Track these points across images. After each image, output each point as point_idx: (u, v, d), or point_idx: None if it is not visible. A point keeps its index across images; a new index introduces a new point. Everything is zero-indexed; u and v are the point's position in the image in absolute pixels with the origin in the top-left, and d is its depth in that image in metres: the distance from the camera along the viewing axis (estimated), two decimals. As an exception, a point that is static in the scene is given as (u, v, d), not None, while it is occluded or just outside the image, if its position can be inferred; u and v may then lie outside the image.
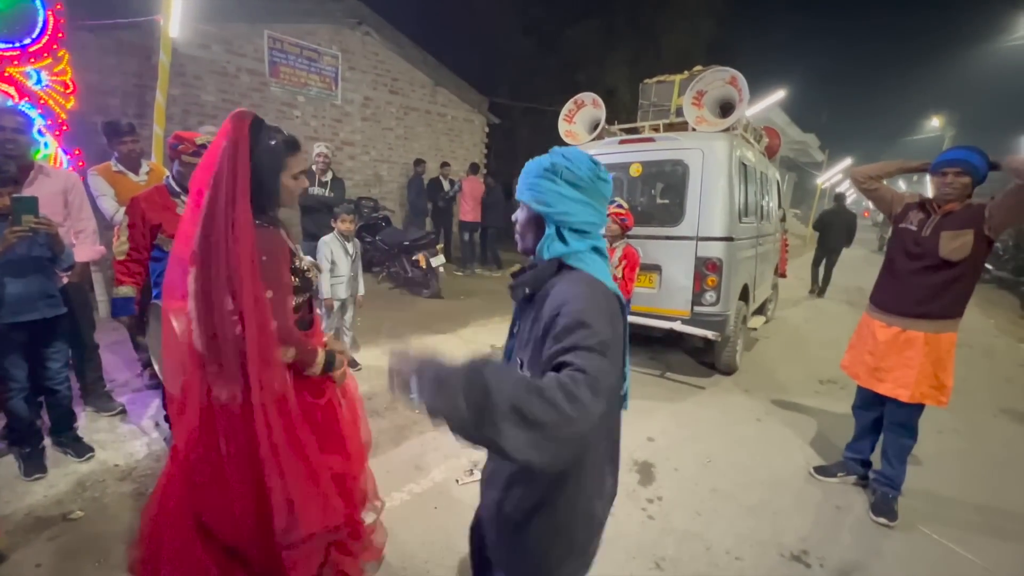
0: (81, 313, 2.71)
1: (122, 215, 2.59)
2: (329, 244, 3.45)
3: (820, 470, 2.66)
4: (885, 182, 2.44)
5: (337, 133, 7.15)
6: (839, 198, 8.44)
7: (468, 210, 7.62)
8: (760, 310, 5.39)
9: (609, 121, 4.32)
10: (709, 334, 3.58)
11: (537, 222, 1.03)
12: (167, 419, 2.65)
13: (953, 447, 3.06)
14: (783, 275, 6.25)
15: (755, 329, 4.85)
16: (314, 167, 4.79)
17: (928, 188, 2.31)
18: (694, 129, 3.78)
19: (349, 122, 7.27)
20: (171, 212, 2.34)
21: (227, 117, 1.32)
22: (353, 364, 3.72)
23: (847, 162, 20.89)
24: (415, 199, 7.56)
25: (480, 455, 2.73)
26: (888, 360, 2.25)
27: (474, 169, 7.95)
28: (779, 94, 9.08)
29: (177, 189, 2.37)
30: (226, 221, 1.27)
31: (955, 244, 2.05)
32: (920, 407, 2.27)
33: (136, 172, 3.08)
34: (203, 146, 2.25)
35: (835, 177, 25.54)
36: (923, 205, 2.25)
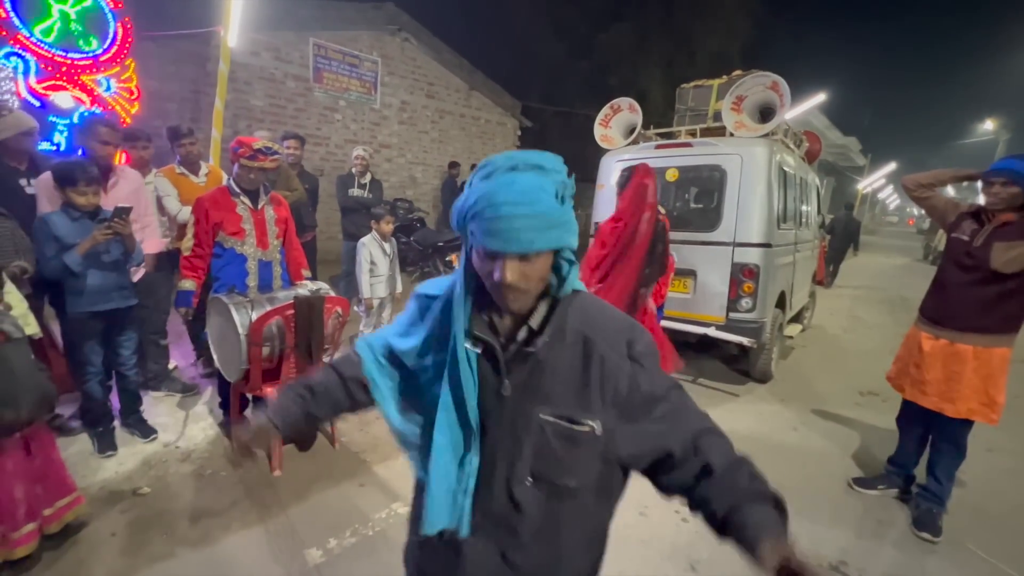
0: (154, 303, 2.93)
1: (186, 214, 2.79)
2: (368, 245, 3.58)
3: (860, 482, 2.61)
4: (939, 190, 2.39)
5: (375, 136, 7.37)
6: (848, 207, 10.02)
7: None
8: (797, 318, 5.28)
9: (644, 126, 4.33)
10: (744, 341, 3.55)
11: (555, 265, 0.79)
12: (222, 405, 2.82)
13: (1004, 466, 2.94)
14: (821, 282, 6.10)
15: (791, 337, 4.75)
16: (353, 169, 4.97)
17: (980, 197, 2.25)
18: (732, 134, 3.75)
19: (387, 125, 7.48)
20: (231, 212, 2.51)
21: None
22: None
23: (891, 167, 20.09)
24: (448, 201, 7.71)
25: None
26: (934, 373, 2.20)
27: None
28: (819, 97, 8.86)
29: (237, 190, 2.53)
30: None
31: (1009, 255, 1.99)
32: (969, 423, 2.21)
33: (196, 174, 3.29)
34: (259, 151, 2.40)
35: (878, 182, 24.58)
36: (977, 215, 2.19)
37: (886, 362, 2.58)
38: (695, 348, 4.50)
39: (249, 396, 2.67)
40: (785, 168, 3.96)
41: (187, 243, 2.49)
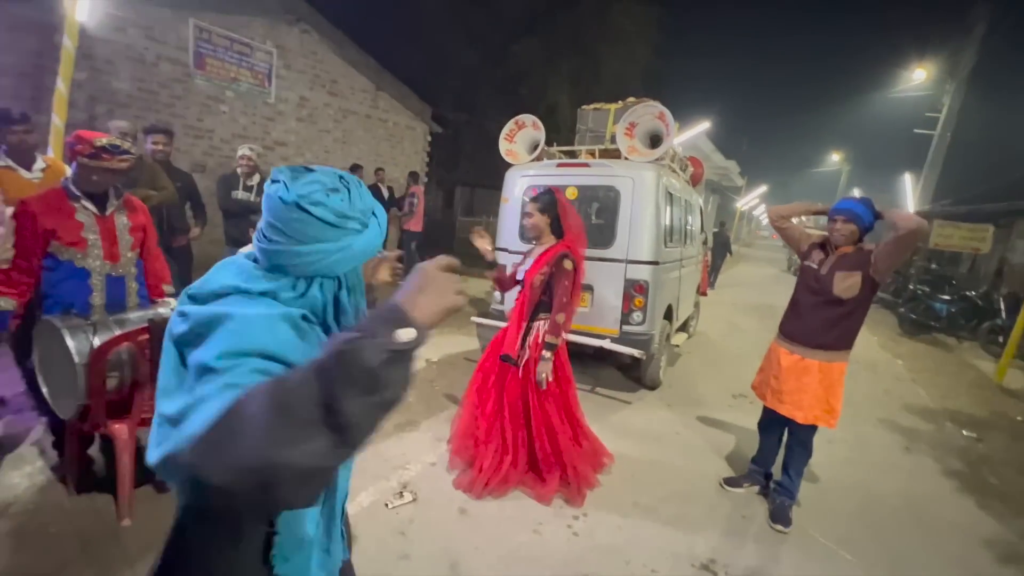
0: None
1: (7, 217, 2.31)
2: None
3: (729, 481, 2.89)
4: (795, 220, 2.72)
5: (269, 132, 6.80)
6: (722, 225, 12.75)
7: (414, 220, 7.55)
8: (683, 327, 5.76)
9: (549, 139, 4.44)
10: (635, 353, 3.78)
11: None
12: (56, 444, 2.39)
13: (840, 456, 3.43)
14: (704, 294, 6.72)
15: (678, 346, 5.17)
16: (238, 170, 4.53)
17: None
18: (626, 158, 4.00)
19: (282, 121, 6.94)
20: (69, 218, 2.13)
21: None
22: None
23: (762, 188, 22.96)
24: (352, 205, 7.35)
25: (410, 476, 2.70)
26: (788, 384, 2.50)
27: (415, 178, 7.86)
28: (704, 124, 9.82)
29: (76, 193, 2.16)
30: None
31: (846, 284, 2.33)
32: (815, 427, 2.54)
33: (28, 168, 2.77)
34: (103, 148, 2.07)
35: (752, 201, 27.91)
36: (823, 245, 2.52)
37: (756, 365, 2.88)
38: (593, 358, 4.71)
39: (95, 434, 2.27)
40: (671, 191, 4.31)
41: (4, 254, 2.06)
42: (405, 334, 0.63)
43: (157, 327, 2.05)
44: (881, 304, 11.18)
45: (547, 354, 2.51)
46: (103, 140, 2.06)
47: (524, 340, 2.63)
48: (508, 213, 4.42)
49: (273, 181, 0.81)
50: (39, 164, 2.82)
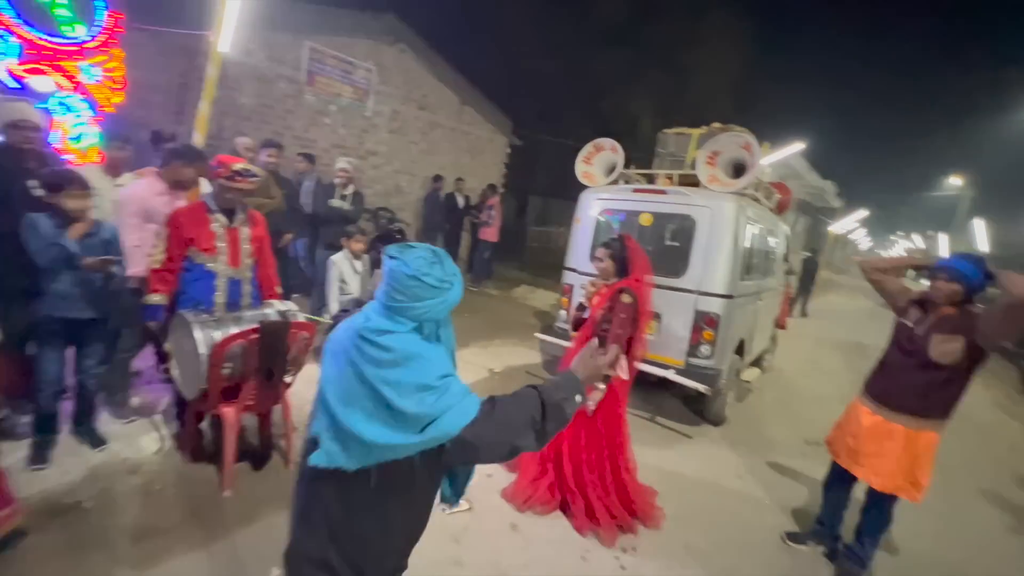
0: (126, 320, 2.82)
1: (129, 232, 2.74)
2: (339, 263, 3.61)
3: (792, 536, 2.75)
4: (892, 275, 2.49)
5: (363, 142, 7.37)
6: (813, 251, 12.50)
7: (491, 230, 7.86)
8: (757, 362, 5.48)
9: (627, 156, 4.41)
10: (700, 387, 3.69)
11: None
12: (178, 416, 2.80)
13: (928, 527, 3.11)
14: (782, 327, 6.34)
15: (749, 381, 4.94)
16: (336, 180, 4.99)
17: None
18: (706, 187, 3.91)
19: (375, 133, 7.49)
20: (205, 228, 2.52)
21: None
22: None
23: (862, 213, 20.99)
24: (430, 214, 7.76)
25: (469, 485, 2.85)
26: (868, 447, 2.34)
27: (493, 190, 8.15)
28: (799, 146, 9.24)
29: (214, 207, 2.55)
30: None
31: (944, 348, 2.13)
32: (896, 496, 2.35)
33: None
34: (237, 172, 2.43)
35: (850, 225, 25.59)
36: (923, 303, 2.31)
37: (836, 411, 2.72)
38: (656, 384, 4.63)
39: (207, 413, 2.66)
40: (752, 222, 4.15)
41: (158, 256, 2.49)
42: (581, 398, 1.18)
43: (266, 329, 2.37)
44: (1000, 353, 9.84)
45: (601, 384, 2.54)
46: (239, 165, 2.43)
47: None
48: (580, 233, 4.48)
49: (391, 258, 1.11)
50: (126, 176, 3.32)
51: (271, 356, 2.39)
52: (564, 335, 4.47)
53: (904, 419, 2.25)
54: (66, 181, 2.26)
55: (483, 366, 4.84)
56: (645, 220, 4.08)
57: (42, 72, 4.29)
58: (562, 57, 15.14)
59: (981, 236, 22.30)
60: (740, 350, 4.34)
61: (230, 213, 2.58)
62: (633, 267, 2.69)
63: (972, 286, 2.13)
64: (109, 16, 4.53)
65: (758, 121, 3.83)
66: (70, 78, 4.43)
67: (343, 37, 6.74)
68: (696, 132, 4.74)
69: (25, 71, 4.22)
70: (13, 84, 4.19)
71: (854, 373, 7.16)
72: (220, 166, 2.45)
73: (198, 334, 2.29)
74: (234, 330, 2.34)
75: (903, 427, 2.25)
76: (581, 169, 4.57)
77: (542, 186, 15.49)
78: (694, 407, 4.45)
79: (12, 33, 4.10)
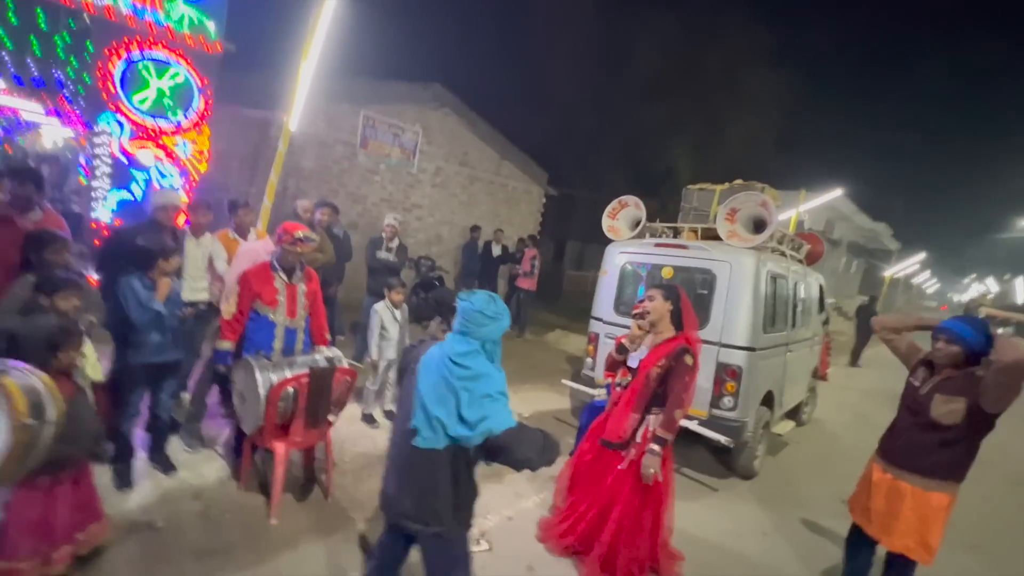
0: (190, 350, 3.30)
1: (231, 277, 3.23)
2: (380, 312, 3.98)
3: (814, 598, 2.70)
4: (905, 335, 2.54)
5: (408, 196, 8.03)
6: (871, 299, 11.38)
7: (528, 280, 8.18)
8: (793, 413, 5.36)
9: (663, 206, 4.64)
10: (722, 439, 3.71)
11: None
12: (236, 449, 3.16)
13: None
14: (823, 378, 6.16)
15: (781, 435, 4.84)
16: (383, 234, 5.50)
17: None
18: (727, 242, 4.07)
19: (420, 188, 8.15)
20: (270, 284, 2.95)
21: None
22: (371, 420, 4.14)
23: (920, 256, 19.94)
24: (468, 262, 8.20)
25: (488, 525, 3.00)
26: (877, 504, 2.36)
27: (532, 241, 8.52)
28: (837, 191, 9.18)
29: (277, 266, 2.99)
30: None
31: (945, 409, 2.17)
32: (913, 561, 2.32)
33: (245, 238, 3.80)
34: (299, 239, 2.87)
35: (910, 268, 24.25)
36: (930, 363, 2.36)
37: None
38: (684, 435, 4.63)
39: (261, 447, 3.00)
40: (776, 275, 4.23)
41: (230, 308, 2.93)
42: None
43: (315, 374, 2.71)
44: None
45: (656, 448, 2.45)
46: (300, 233, 2.87)
47: (635, 431, 2.60)
48: (605, 284, 4.70)
49: (462, 300, 1.69)
50: (252, 235, 3.86)
51: (318, 398, 2.72)
52: (591, 382, 4.61)
53: (912, 478, 2.26)
54: (168, 250, 2.72)
55: (512, 411, 5.02)
56: (667, 273, 4.26)
57: (145, 148, 5.12)
58: (601, 107, 15.79)
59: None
60: (769, 402, 4.32)
61: (290, 271, 3.01)
62: (687, 322, 2.64)
63: (972, 349, 2.17)
64: (202, 99, 5.37)
65: (799, 165, 4.01)
66: (167, 151, 5.24)
67: (394, 104, 7.53)
68: (718, 188, 4.93)
69: (133, 148, 5.05)
70: (123, 160, 5.02)
71: (907, 429, 6.76)
72: (284, 232, 2.90)
73: (259, 377, 2.67)
74: (288, 374, 2.70)
75: (911, 486, 2.26)
76: (607, 224, 4.84)
77: (580, 231, 15.83)
78: (722, 458, 4.41)
79: (128, 119, 4.96)
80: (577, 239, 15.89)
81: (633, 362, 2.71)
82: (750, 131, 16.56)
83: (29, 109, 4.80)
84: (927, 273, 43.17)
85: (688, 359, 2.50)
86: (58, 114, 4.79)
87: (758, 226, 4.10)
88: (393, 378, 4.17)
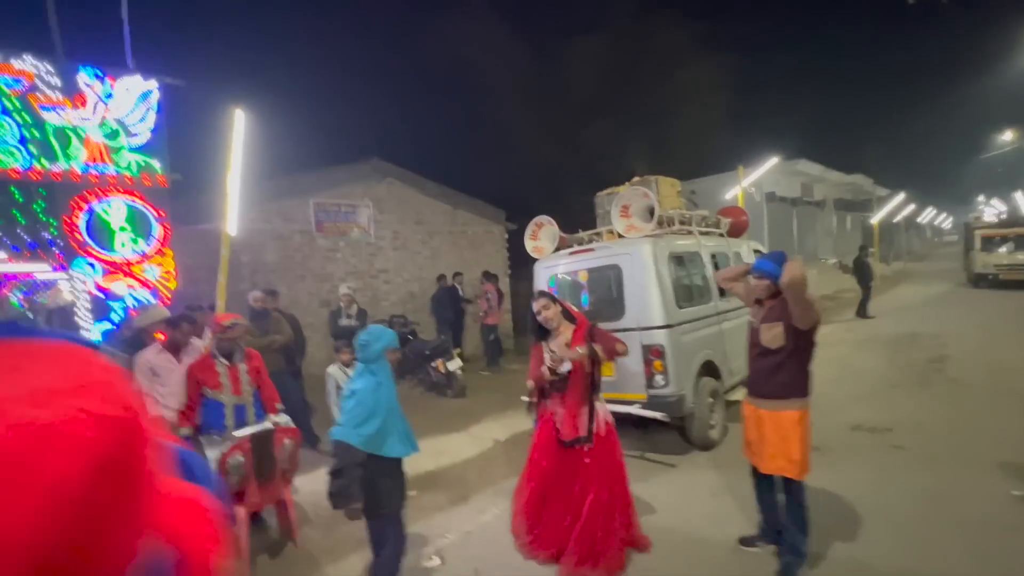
0: None
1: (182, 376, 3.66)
2: (333, 374, 4.37)
3: (744, 541, 2.87)
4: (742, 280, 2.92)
5: (373, 264, 8.58)
6: (861, 249, 11.47)
7: (492, 315, 8.53)
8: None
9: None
10: (659, 415, 3.94)
11: None
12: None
13: (940, 516, 3.00)
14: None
15: (740, 401, 4.97)
16: (341, 304, 5.98)
17: None
18: (625, 237, 4.44)
19: (382, 254, 8.71)
20: (211, 371, 3.37)
21: None
22: None
23: (900, 197, 19.92)
24: (438, 310, 8.61)
25: (446, 543, 3.24)
26: (751, 435, 2.61)
27: (489, 277, 8.87)
28: (772, 160, 9.53)
29: (216, 354, 3.42)
30: None
31: (770, 335, 2.49)
32: (800, 481, 2.51)
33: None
34: (227, 327, 3.31)
35: (902, 210, 24.04)
36: (759, 300, 2.69)
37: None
38: (652, 421, 4.81)
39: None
40: (681, 254, 4.55)
41: (183, 399, 3.35)
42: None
43: (256, 437, 3.09)
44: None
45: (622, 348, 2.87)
46: (227, 322, 3.32)
47: (588, 423, 2.85)
48: (541, 301, 5.05)
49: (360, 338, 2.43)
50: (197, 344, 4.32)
51: (262, 459, 3.08)
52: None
53: (766, 403, 2.52)
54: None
55: (490, 438, 5.27)
56: (583, 277, 4.62)
57: (117, 279, 5.75)
58: (550, 136, 16.58)
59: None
60: (713, 372, 4.53)
61: (228, 355, 3.44)
62: (574, 313, 3.08)
63: (774, 278, 2.48)
64: (161, 227, 6.04)
65: (759, 134, 4.43)
66: (138, 279, 5.87)
67: (341, 187, 8.22)
68: (621, 189, 5.35)
69: (107, 283, 5.68)
70: (100, 295, 5.64)
71: (894, 369, 6.77)
72: (215, 324, 3.36)
73: (208, 453, 3.05)
74: (232, 444, 3.08)
75: (766, 411, 2.51)
76: (530, 245, 5.26)
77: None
78: (682, 436, 4.58)
79: (98, 260, 5.62)
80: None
81: (564, 368, 2.87)
82: (699, 121, 17.18)
83: (39, 270, 5.51)
84: (931, 210, 42.06)
85: (599, 327, 2.95)
86: (63, 268, 5.49)
87: (653, 213, 4.47)
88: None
